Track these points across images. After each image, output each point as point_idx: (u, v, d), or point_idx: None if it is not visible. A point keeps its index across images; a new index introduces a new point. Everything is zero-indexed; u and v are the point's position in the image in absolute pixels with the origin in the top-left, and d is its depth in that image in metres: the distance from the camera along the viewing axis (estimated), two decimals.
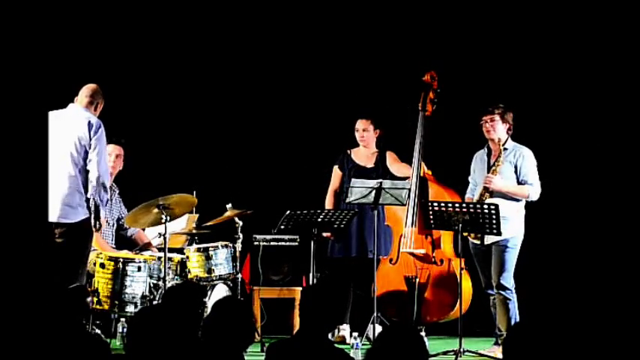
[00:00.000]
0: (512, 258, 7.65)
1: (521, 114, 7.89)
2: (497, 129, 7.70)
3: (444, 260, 8.16)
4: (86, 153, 7.29)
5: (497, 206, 7.39)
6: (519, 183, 7.68)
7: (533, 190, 7.65)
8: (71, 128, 7.24)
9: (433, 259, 8.19)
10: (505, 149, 7.69)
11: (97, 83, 7.96)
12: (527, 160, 7.69)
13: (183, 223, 8.26)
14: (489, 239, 7.64)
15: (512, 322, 7.54)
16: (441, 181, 8.31)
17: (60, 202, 7.14)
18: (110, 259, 7.81)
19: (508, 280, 7.62)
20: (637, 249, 8.36)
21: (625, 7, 8.61)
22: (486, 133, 7.74)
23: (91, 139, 7.27)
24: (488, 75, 9.07)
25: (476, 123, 7.81)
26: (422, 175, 8.31)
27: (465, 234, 7.66)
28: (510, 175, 7.67)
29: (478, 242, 7.70)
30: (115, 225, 8.40)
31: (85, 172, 7.29)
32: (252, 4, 9.56)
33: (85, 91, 7.48)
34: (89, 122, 7.31)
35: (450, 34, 9.24)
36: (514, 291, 7.65)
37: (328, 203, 8.58)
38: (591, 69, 8.86)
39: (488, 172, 7.73)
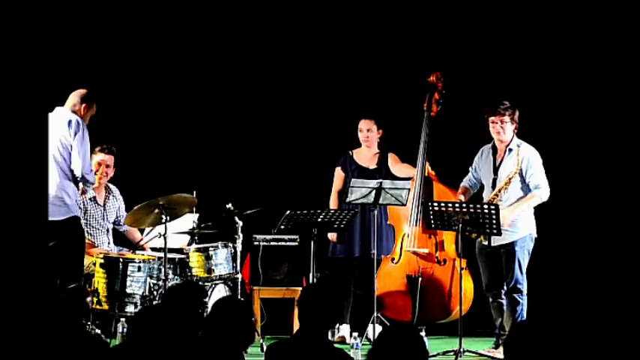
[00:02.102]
0: (523, 259, 7.62)
1: (526, 114, 7.87)
2: (507, 130, 7.68)
3: (447, 260, 8.15)
4: (69, 152, 7.33)
5: (497, 206, 7.39)
6: (525, 185, 7.64)
7: (543, 193, 7.61)
8: (54, 130, 7.25)
9: (436, 259, 8.19)
10: (510, 150, 7.67)
11: (98, 84, 7.98)
12: (532, 161, 7.65)
13: (187, 222, 8.26)
14: (496, 241, 7.61)
15: None
16: (445, 182, 8.31)
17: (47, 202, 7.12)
18: (110, 259, 7.81)
19: (521, 282, 7.59)
20: (638, 249, 8.36)
21: (626, 7, 8.60)
22: (496, 135, 7.70)
23: (71, 137, 7.32)
24: (493, 76, 9.06)
25: (480, 124, 7.79)
26: (426, 175, 8.31)
27: (474, 236, 7.64)
28: (517, 178, 7.65)
29: (486, 243, 7.68)
30: (110, 229, 8.40)
31: (70, 172, 7.34)
32: (254, 4, 9.56)
33: (72, 95, 7.55)
34: (69, 121, 7.36)
35: (456, 34, 9.23)
36: (525, 294, 7.62)
37: (332, 205, 8.55)
38: (595, 68, 8.85)
39: (494, 174, 7.69)
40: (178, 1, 9.57)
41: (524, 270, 7.63)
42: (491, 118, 7.69)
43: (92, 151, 8.11)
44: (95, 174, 8.18)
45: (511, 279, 7.60)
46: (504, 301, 7.70)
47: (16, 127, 4.77)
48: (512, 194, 7.65)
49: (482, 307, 7.94)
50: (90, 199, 8.23)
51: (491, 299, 7.77)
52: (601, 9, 8.77)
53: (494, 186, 7.71)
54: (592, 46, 8.88)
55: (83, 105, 7.50)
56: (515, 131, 7.72)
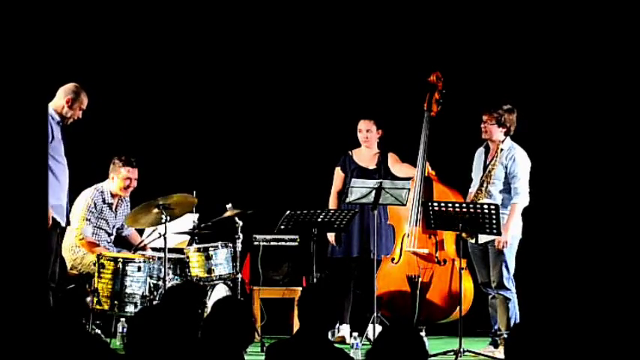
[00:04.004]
0: (509, 257, 7.64)
1: (525, 114, 7.88)
2: (492, 131, 7.72)
3: (447, 260, 8.15)
4: None
5: (497, 206, 7.40)
6: (508, 186, 7.66)
7: (522, 200, 7.64)
8: None
9: (436, 259, 8.18)
10: (501, 150, 7.70)
11: (98, 84, 7.94)
12: (518, 163, 7.68)
13: (187, 222, 8.26)
14: (483, 238, 7.63)
15: (512, 323, 7.53)
16: (445, 182, 8.31)
17: None
18: (110, 259, 7.81)
19: (507, 279, 7.62)
20: (637, 248, 8.36)
21: (626, 7, 8.60)
22: (483, 133, 7.78)
23: None
24: (493, 76, 9.05)
25: (479, 124, 7.81)
26: (426, 175, 8.31)
27: (465, 235, 7.66)
28: (500, 176, 7.67)
29: (473, 241, 7.70)
30: (115, 233, 8.41)
31: None
32: (253, 4, 9.56)
33: (58, 91, 7.39)
34: None
35: (456, 34, 9.23)
36: (514, 291, 7.64)
37: (332, 205, 8.55)
38: (595, 69, 8.84)
39: (483, 174, 7.72)
40: (178, 2, 9.56)
41: (510, 267, 7.63)
42: (482, 116, 7.74)
43: (114, 163, 8.20)
44: (126, 189, 8.21)
45: (497, 276, 7.62)
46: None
47: (15, 126, 4.77)
48: (495, 187, 7.67)
49: (482, 307, 7.94)
50: (107, 204, 8.23)
51: (490, 296, 7.77)
52: (601, 9, 8.76)
53: (482, 183, 7.74)
54: (592, 46, 8.88)
55: (66, 99, 7.28)
56: (504, 133, 7.72)
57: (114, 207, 8.30)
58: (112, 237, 8.38)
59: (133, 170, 8.25)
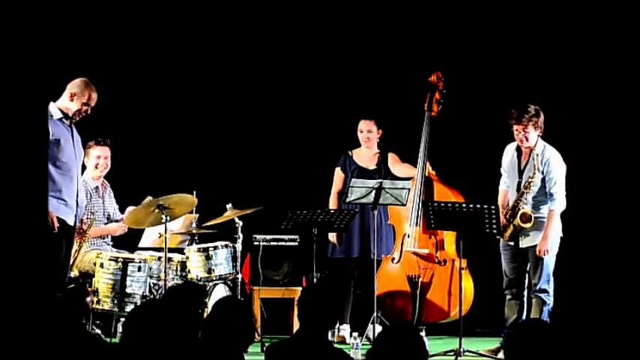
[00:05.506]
0: (550, 261, 7.60)
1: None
2: (531, 138, 7.58)
3: (447, 260, 8.15)
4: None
5: (497, 207, 7.39)
6: (544, 190, 7.61)
7: (558, 205, 7.56)
8: None
9: (436, 259, 8.18)
10: (536, 153, 7.61)
11: (97, 83, 7.93)
12: (554, 166, 7.58)
13: (180, 223, 8.27)
14: (525, 242, 7.60)
15: None
16: (445, 182, 8.31)
17: None
18: (110, 259, 7.81)
19: (549, 282, 7.58)
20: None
21: (630, 8, 8.61)
22: (520, 143, 7.61)
23: None
24: (494, 75, 9.05)
25: (480, 123, 7.78)
26: (427, 175, 8.31)
27: (507, 235, 7.60)
28: (537, 182, 7.59)
29: (512, 244, 7.65)
30: (110, 221, 8.39)
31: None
32: (254, 4, 9.56)
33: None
34: None
35: (456, 34, 9.22)
36: (552, 294, 7.59)
37: (332, 205, 8.54)
38: (597, 67, 8.84)
39: (519, 178, 7.64)
40: (180, 1, 9.56)
41: (551, 270, 7.60)
42: (515, 126, 7.62)
43: (86, 145, 8.08)
44: (96, 168, 8.18)
45: (538, 280, 7.56)
46: (524, 301, 7.69)
47: (15, 124, 4.77)
48: (535, 195, 7.60)
49: (482, 307, 7.94)
50: (94, 189, 8.22)
51: (509, 297, 7.71)
52: (603, 9, 8.76)
53: (519, 189, 7.67)
54: (595, 44, 8.87)
55: (69, 94, 7.18)
56: (540, 135, 7.64)
57: (100, 192, 8.27)
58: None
59: (101, 148, 8.19)
